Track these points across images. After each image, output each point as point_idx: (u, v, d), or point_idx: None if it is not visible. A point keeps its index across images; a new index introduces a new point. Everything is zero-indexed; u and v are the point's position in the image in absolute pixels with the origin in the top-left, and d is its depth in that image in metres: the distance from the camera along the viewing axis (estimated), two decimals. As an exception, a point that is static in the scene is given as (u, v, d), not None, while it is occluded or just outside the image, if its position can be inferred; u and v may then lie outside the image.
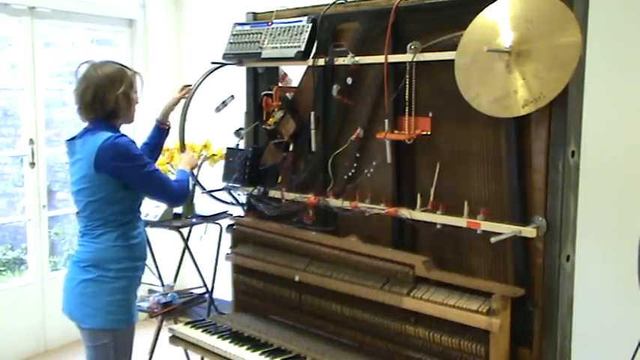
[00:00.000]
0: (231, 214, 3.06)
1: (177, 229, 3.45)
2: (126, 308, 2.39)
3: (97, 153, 2.27)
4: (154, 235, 3.76)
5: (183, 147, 2.90)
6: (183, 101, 2.80)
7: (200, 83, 2.77)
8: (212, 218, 3.47)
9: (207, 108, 2.81)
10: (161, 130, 2.75)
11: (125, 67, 2.44)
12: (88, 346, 2.41)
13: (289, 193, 2.57)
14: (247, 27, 2.69)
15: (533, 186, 1.97)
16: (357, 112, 2.39)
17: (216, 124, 2.88)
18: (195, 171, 2.93)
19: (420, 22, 2.18)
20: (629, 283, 2.19)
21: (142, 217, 3.40)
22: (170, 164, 3.48)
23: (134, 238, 2.42)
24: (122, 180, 2.31)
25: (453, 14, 2.08)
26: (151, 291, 3.85)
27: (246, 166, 2.70)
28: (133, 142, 2.36)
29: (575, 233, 2.00)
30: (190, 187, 2.62)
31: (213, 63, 2.78)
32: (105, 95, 2.32)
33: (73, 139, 2.42)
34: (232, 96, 2.81)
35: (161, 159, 3.01)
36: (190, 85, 2.79)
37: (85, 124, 2.40)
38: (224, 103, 2.80)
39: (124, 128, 2.47)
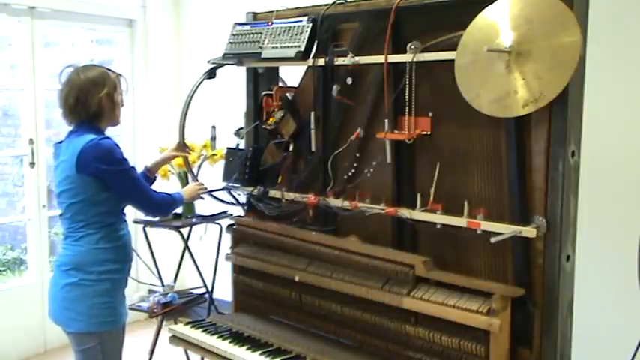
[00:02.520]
0: (231, 214, 3.06)
1: (177, 229, 3.45)
2: (111, 310, 2.38)
3: (80, 154, 2.27)
4: (154, 235, 3.76)
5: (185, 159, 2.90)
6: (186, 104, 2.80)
7: (199, 84, 2.77)
8: (212, 218, 3.47)
9: (207, 108, 2.81)
10: (147, 178, 2.72)
11: (108, 69, 2.45)
12: (75, 350, 2.41)
13: (289, 193, 2.57)
14: (247, 27, 2.69)
15: (533, 186, 1.97)
16: (357, 112, 2.39)
17: (217, 124, 2.88)
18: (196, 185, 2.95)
19: (420, 22, 2.18)
20: (629, 283, 2.19)
21: (142, 217, 3.43)
22: (170, 165, 3.48)
23: (117, 240, 2.41)
24: (103, 182, 2.31)
25: (453, 14, 2.08)
26: (150, 291, 3.86)
27: (246, 166, 2.70)
28: (118, 145, 2.36)
29: (575, 233, 2.00)
30: (175, 208, 2.64)
31: (211, 62, 2.77)
32: (88, 98, 2.33)
33: (60, 142, 2.44)
34: (213, 126, 2.82)
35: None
36: (187, 148, 2.81)
37: (71, 128, 2.41)
38: (213, 139, 2.83)
39: (119, 134, 2.47)
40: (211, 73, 2.78)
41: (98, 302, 2.35)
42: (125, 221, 2.49)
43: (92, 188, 2.31)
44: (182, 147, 2.79)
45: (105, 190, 2.33)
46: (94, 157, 2.27)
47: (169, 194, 2.57)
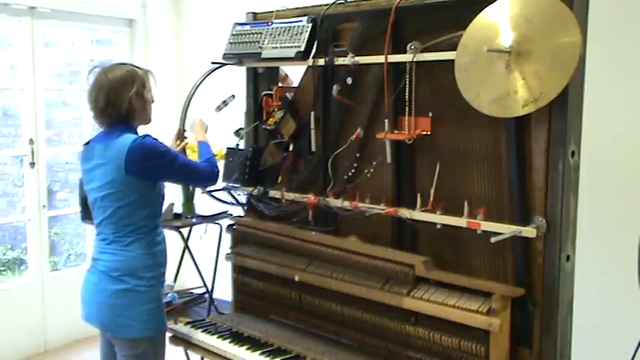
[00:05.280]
0: (231, 214, 3.06)
1: (177, 229, 3.45)
2: (160, 315, 2.36)
3: (128, 155, 2.22)
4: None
5: (183, 149, 2.89)
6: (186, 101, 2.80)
7: (200, 83, 2.77)
8: (212, 218, 3.47)
9: (207, 108, 2.81)
10: None
11: (136, 67, 2.40)
12: (125, 355, 2.36)
13: (289, 193, 2.57)
14: (247, 27, 2.69)
15: (533, 186, 1.97)
16: (357, 112, 2.39)
17: (217, 124, 2.88)
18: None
19: (420, 22, 2.18)
20: (629, 283, 2.19)
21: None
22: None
23: (159, 244, 2.39)
24: (153, 179, 2.29)
25: (453, 14, 2.08)
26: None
27: (246, 166, 2.70)
28: (156, 138, 2.32)
29: (575, 233, 2.00)
30: (213, 156, 2.58)
31: (214, 63, 2.78)
32: (117, 98, 2.28)
33: (88, 143, 2.39)
34: (233, 95, 2.81)
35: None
36: (186, 138, 2.77)
37: (102, 129, 2.36)
38: (225, 103, 2.82)
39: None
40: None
41: (149, 308, 2.31)
42: (161, 224, 2.46)
43: (141, 189, 2.27)
44: (180, 135, 2.77)
45: (151, 190, 2.30)
46: (145, 155, 2.24)
47: (206, 158, 2.49)
